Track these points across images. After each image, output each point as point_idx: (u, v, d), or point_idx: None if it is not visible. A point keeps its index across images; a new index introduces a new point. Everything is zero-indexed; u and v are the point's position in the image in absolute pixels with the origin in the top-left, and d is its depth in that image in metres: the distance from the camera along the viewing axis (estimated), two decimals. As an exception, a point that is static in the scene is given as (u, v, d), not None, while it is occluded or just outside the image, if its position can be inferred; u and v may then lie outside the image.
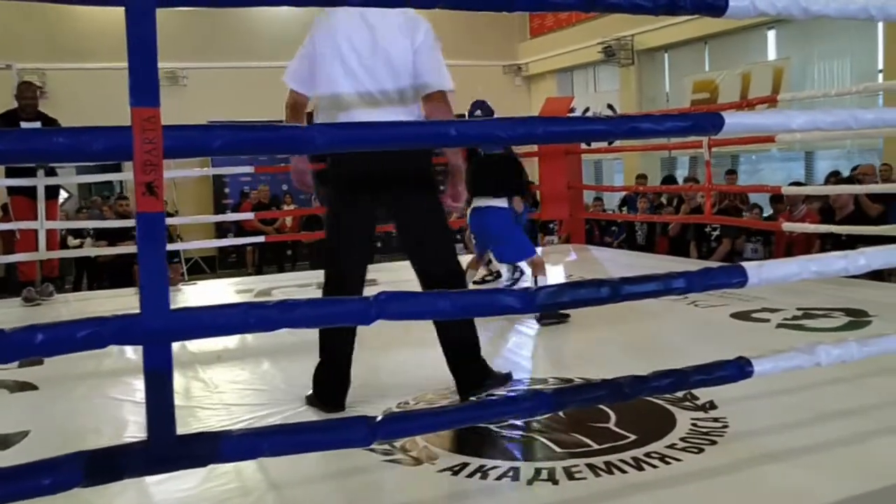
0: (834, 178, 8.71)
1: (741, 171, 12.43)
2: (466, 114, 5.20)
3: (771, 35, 11.70)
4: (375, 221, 3.16)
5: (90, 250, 8.46)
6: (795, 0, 1.95)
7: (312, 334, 4.14)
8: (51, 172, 6.18)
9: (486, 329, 4.26)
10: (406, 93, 2.97)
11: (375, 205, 3.07)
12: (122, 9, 1.43)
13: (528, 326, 4.39)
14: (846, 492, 2.16)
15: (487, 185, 4.82)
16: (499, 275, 6.08)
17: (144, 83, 1.43)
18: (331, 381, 3.12)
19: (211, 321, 1.55)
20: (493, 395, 3.05)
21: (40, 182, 6.01)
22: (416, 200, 3.06)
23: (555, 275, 5.97)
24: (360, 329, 4.23)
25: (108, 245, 7.77)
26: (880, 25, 9.59)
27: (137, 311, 1.49)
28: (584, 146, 8.43)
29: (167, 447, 1.51)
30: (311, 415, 3.07)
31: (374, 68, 2.96)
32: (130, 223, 7.57)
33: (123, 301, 5.85)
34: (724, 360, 1.98)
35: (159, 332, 1.47)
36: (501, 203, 4.81)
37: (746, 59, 12.01)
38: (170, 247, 8.01)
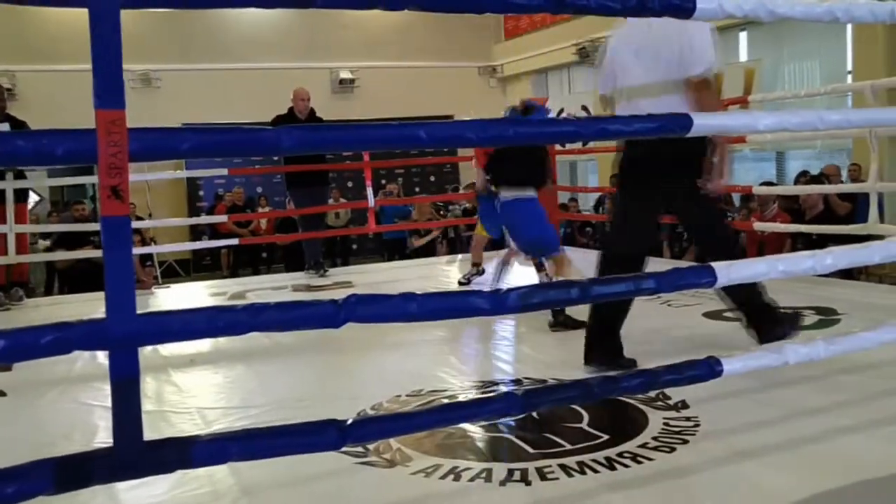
0: (804, 177, 8.82)
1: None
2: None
3: (743, 36, 11.80)
4: (656, 204, 3.54)
5: (50, 255, 8.35)
6: (762, 2, 1.97)
7: (286, 338, 4.15)
8: (20, 175, 6.11)
9: (460, 329, 4.29)
10: (675, 83, 3.40)
11: (655, 188, 3.44)
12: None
13: (505, 328, 4.40)
14: (817, 488, 2.18)
15: (513, 176, 4.61)
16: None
17: (109, 85, 1.42)
18: (604, 342, 3.48)
19: (179, 325, 1.54)
20: (462, 397, 3.06)
21: (9, 185, 5.93)
22: (687, 183, 3.44)
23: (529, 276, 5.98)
24: (334, 332, 4.24)
25: (66, 250, 7.67)
26: (849, 28, 9.70)
27: (103, 315, 1.48)
28: (558, 147, 8.44)
29: (135, 453, 1.49)
30: (285, 418, 3.05)
31: (652, 64, 3.43)
32: (89, 227, 7.51)
33: (95, 305, 5.78)
34: (694, 360, 1.99)
35: (125, 337, 1.45)
36: (530, 194, 4.58)
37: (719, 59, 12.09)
38: (143, 250, 7.98)
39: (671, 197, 3.50)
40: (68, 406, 3.37)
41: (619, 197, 3.66)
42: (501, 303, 1.72)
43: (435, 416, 1.71)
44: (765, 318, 3.49)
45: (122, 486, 2.35)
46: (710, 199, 3.54)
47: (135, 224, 9.31)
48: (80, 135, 1.44)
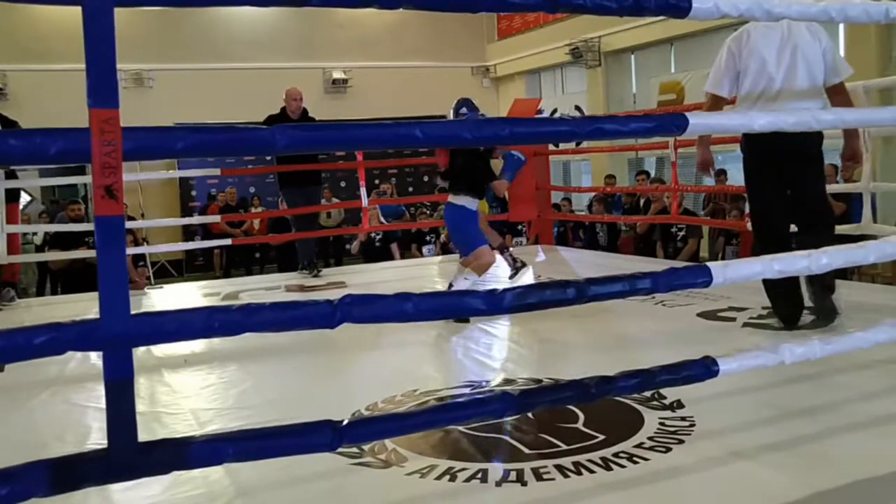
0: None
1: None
2: (451, 113, 5.17)
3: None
4: (785, 185, 3.90)
5: (41, 255, 8.32)
6: (758, 2, 1.97)
7: (280, 338, 4.13)
8: (11, 175, 6.08)
9: (455, 329, 4.28)
10: (816, 86, 3.75)
11: (781, 173, 3.85)
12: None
13: (498, 326, 4.39)
14: (812, 488, 2.18)
15: (455, 182, 4.94)
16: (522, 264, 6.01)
17: (103, 84, 1.41)
18: (783, 299, 3.86)
19: (173, 326, 1.53)
20: (460, 396, 3.05)
21: (0, 185, 5.91)
22: (811, 170, 3.95)
23: (524, 276, 5.98)
24: (329, 333, 4.24)
25: (60, 250, 7.64)
26: (842, 28, 9.73)
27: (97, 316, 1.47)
28: (551, 147, 8.46)
29: (129, 455, 1.48)
30: (279, 419, 3.04)
31: (792, 69, 3.71)
32: (83, 228, 7.49)
33: (87, 306, 5.76)
34: (690, 360, 1.99)
35: (119, 338, 1.44)
36: (458, 201, 4.87)
37: (712, 60, 12.09)
38: (136, 250, 7.95)
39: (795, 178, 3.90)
40: (61, 407, 3.35)
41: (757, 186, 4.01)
42: (497, 303, 1.71)
43: (430, 417, 1.71)
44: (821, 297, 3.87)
45: (116, 488, 2.34)
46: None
47: (138, 225, 9.30)
48: (73, 134, 1.43)
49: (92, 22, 1.40)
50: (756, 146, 3.84)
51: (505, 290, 1.74)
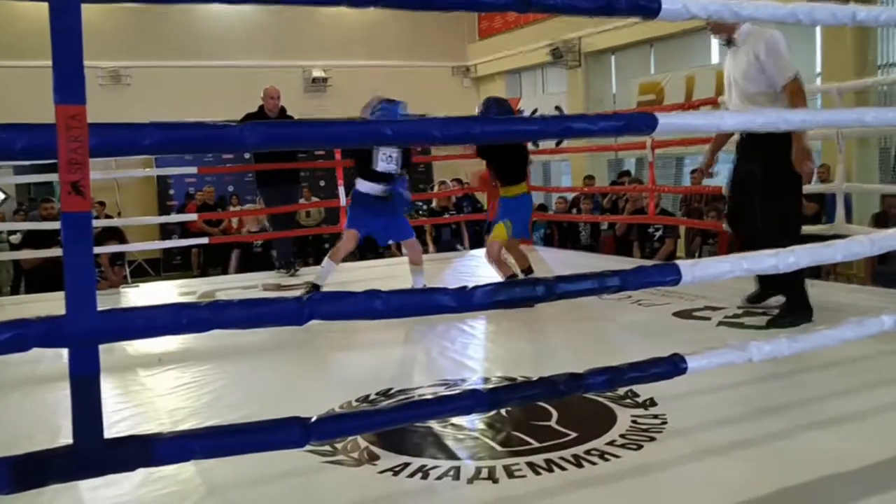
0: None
1: (686, 173, 12.62)
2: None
3: (714, 39, 11.89)
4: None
5: (15, 254, 8.24)
6: (726, 4, 1.99)
7: (255, 337, 4.12)
8: (-15, 173, 6.02)
9: (430, 329, 4.29)
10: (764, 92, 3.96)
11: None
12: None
13: (474, 326, 4.40)
14: (781, 483, 2.21)
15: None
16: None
17: (69, 80, 1.40)
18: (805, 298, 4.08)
19: (141, 323, 1.52)
20: (431, 396, 3.05)
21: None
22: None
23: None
24: (303, 332, 4.23)
25: (33, 249, 7.58)
26: (818, 30, 9.83)
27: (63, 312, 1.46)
28: (531, 147, 8.48)
29: (95, 451, 1.47)
30: (252, 417, 3.03)
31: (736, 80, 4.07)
32: (56, 226, 7.42)
33: (59, 305, 5.71)
34: (658, 357, 2.00)
35: (85, 335, 1.43)
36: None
37: (691, 62, 12.21)
38: (112, 248, 7.88)
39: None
40: (31, 407, 3.32)
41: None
42: (467, 300, 1.72)
43: (400, 414, 1.71)
44: (791, 301, 4.08)
45: (86, 486, 2.33)
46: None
47: (113, 223, 9.22)
48: (39, 129, 1.42)
49: (58, 17, 1.39)
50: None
51: (475, 287, 1.75)
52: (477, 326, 4.42)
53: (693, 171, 10.62)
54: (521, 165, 5.36)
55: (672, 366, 1.95)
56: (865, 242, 2.24)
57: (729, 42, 4.15)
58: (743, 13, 1.95)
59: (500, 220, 5.20)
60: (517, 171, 5.32)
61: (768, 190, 4.04)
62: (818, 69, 10.16)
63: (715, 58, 11.98)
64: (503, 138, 1.91)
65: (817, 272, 6.41)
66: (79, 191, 1.44)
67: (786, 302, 4.15)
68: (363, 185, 5.13)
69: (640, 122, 1.91)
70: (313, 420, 1.59)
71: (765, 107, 3.86)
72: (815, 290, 5.09)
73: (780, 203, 4.03)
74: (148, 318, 1.52)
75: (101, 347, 1.49)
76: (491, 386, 2.52)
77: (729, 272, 2.06)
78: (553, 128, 1.83)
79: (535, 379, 1.88)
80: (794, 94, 3.89)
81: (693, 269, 1.97)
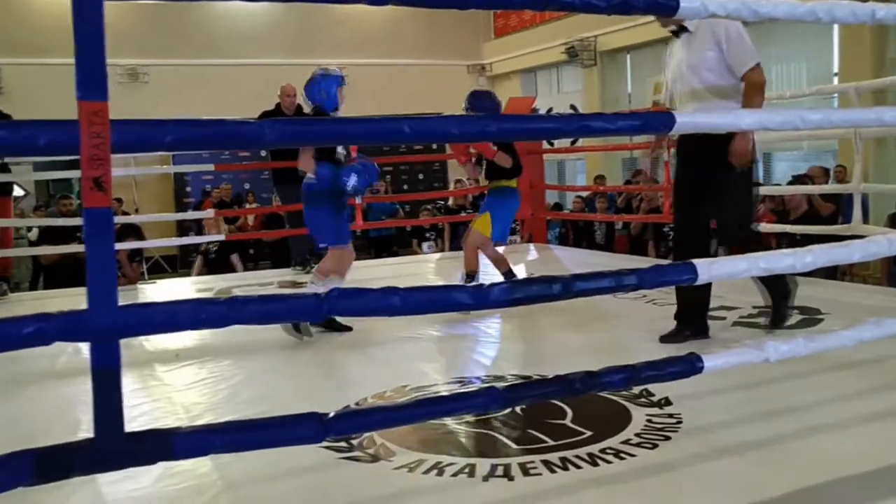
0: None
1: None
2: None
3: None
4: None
5: (34, 249, 8.31)
6: (745, 2, 1.98)
7: (271, 334, 4.14)
8: (4, 169, 6.07)
9: (445, 327, 4.30)
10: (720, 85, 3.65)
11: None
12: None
13: (488, 324, 4.41)
14: (796, 484, 2.20)
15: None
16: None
17: (92, 76, 1.41)
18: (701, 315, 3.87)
19: (161, 318, 1.54)
20: (446, 393, 3.06)
21: (-7, 179, 5.91)
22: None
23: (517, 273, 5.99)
24: (317, 328, 4.25)
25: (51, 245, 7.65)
26: (836, 29, 9.76)
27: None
28: (545, 146, 8.47)
29: (115, 445, 1.49)
30: (268, 413, 3.05)
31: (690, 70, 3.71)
32: (74, 222, 7.49)
33: (78, 300, 5.75)
34: (675, 356, 2.00)
35: (107, 329, 1.45)
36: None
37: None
38: (130, 245, 7.93)
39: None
40: (49, 401, 3.35)
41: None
42: (484, 298, 1.72)
43: (417, 410, 1.72)
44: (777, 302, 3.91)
45: (104, 480, 2.35)
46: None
47: (131, 219, 9.28)
48: (62, 126, 1.44)
49: (81, 14, 1.41)
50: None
51: (492, 285, 1.75)
52: (491, 324, 4.43)
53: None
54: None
55: (689, 365, 1.95)
56: (883, 243, 2.23)
57: (680, 30, 3.80)
58: (762, 11, 1.94)
59: (484, 211, 4.98)
60: (517, 162, 4.97)
61: (722, 189, 3.73)
62: (835, 69, 10.10)
63: (731, 57, 11.92)
64: (521, 137, 1.91)
65: (833, 274, 6.37)
66: (101, 186, 1.45)
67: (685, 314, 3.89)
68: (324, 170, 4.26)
69: (658, 121, 1.90)
70: (331, 416, 1.60)
71: (718, 101, 3.61)
72: (835, 291, 5.08)
73: (737, 201, 3.76)
74: (168, 314, 1.54)
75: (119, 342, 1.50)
76: (507, 384, 2.52)
77: (745, 271, 2.05)
78: (571, 126, 1.83)
79: (550, 377, 1.89)
80: (753, 85, 3.61)
81: (710, 268, 1.97)
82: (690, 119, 1.98)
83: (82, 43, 1.41)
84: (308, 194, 4.32)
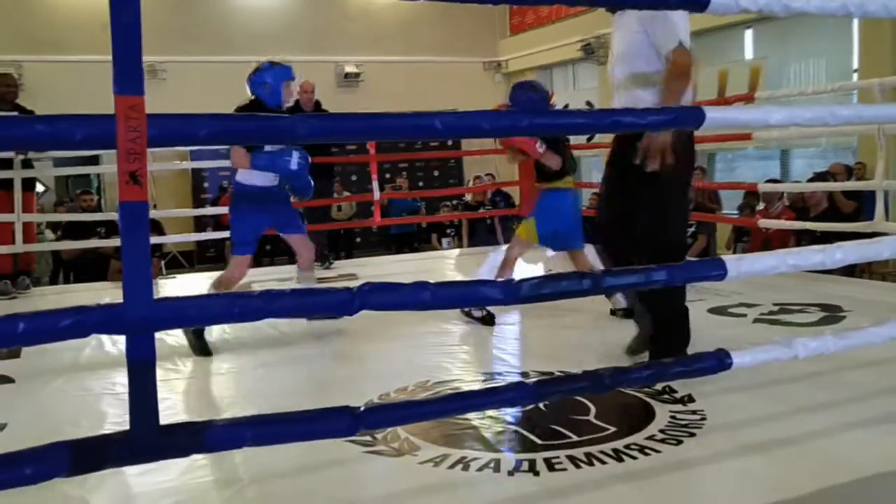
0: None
1: (718, 168, 12.53)
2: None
3: (748, 34, 11.78)
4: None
5: (55, 244, 8.37)
6: (776, -3, 1.97)
7: (293, 328, 4.16)
8: (27, 164, 6.12)
9: (467, 322, 4.30)
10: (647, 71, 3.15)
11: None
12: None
13: (509, 320, 4.41)
14: (822, 483, 2.19)
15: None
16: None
17: (128, 71, 1.43)
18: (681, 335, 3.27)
19: (195, 311, 1.55)
20: (469, 388, 3.06)
21: (16, 174, 5.94)
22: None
23: (534, 270, 6.00)
24: (340, 324, 4.27)
25: (72, 240, 7.72)
26: (855, 26, 9.68)
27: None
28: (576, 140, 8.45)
29: (150, 437, 1.50)
30: (292, 407, 3.07)
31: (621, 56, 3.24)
32: (96, 218, 7.54)
33: (99, 294, 5.80)
34: (703, 353, 2.00)
35: (143, 322, 1.46)
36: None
37: (724, 57, 12.10)
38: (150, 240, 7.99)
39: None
40: (76, 393, 3.38)
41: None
42: (514, 293, 1.73)
43: (448, 405, 1.72)
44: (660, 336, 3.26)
45: (130, 472, 2.37)
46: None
47: (150, 215, 9.33)
48: (99, 120, 1.45)
49: (118, 9, 1.42)
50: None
51: (521, 281, 1.75)
52: (512, 320, 4.43)
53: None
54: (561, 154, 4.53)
55: (717, 361, 1.95)
56: (913, 239, 2.22)
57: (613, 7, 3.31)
58: (794, 6, 1.93)
59: (532, 216, 4.62)
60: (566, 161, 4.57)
61: (634, 195, 3.20)
62: (855, 65, 10.03)
63: (749, 53, 11.86)
64: (552, 131, 1.91)
65: (852, 272, 6.33)
66: (136, 180, 1.47)
67: (653, 327, 3.29)
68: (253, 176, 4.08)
69: (689, 116, 1.90)
70: (362, 409, 1.61)
71: (642, 92, 3.13)
72: (856, 288, 5.05)
73: (650, 211, 3.18)
74: (202, 307, 1.55)
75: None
76: (536, 379, 2.52)
77: (774, 268, 2.05)
78: (602, 122, 1.83)
79: (579, 372, 1.89)
80: (674, 67, 3.04)
81: (739, 265, 1.96)
82: (720, 114, 1.97)
83: (119, 38, 1.42)
84: (232, 194, 4.22)
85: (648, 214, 3.16)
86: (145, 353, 1.49)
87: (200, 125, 1.51)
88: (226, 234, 9.75)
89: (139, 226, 1.47)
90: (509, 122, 1.72)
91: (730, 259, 1.98)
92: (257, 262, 12.14)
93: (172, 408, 3.11)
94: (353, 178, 14.24)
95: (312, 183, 4.23)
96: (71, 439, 1.50)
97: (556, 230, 4.54)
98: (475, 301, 1.72)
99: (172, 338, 4.19)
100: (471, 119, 1.72)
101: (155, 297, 1.52)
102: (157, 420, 1.52)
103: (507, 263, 4.53)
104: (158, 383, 3.38)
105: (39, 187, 8.44)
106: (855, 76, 9.77)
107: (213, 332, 4.26)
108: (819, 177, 8.06)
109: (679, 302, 3.23)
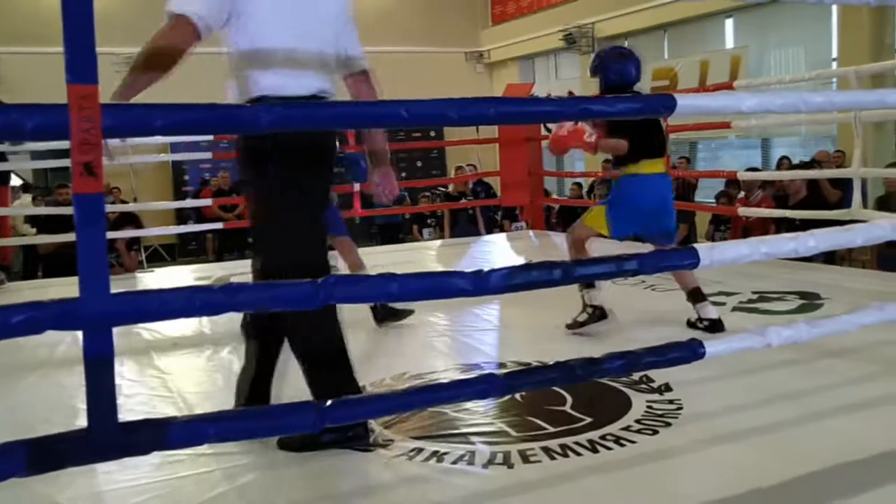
0: (787, 162, 8.89)
1: (700, 157, 12.56)
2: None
3: (729, 23, 11.80)
4: None
5: (31, 239, 8.28)
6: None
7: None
8: (1, 158, 6.03)
9: (445, 313, 4.27)
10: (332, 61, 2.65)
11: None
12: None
13: (488, 311, 4.39)
14: (797, 471, 2.19)
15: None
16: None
17: (80, 58, 1.38)
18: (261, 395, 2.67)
19: (154, 305, 1.51)
20: (447, 380, 3.04)
21: (-10, 168, 5.87)
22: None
23: (514, 261, 5.98)
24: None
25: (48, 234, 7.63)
26: (834, 15, 9.71)
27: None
28: (544, 132, 8.43)
29: (109, 435, 1.46)
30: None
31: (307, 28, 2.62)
32: (71, 211, 7.45)
33: (76, 289, 5.73)
34: (676, 342, 1.98)
35: (99, 317, 1.42)
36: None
37: (704, 47, 12.12)
38: (129, 234, 7.91)
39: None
40: (49, 390, 3.33)
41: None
42: (483, 284, 1.69)
43: (415, 398, 1.70)
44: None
45: (102, 469, 2.34)
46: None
47: (129, 208, 9.24)
48: (51, 110, 1.40)
49: (69, -5, 1.38)
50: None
51: (491, 271, 1.72)
52: (490, 311, 4.41)
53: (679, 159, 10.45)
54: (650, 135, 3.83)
55: (690, 351, 1.92)
56: (887, 227, 2.20)
57: None
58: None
59: (603, 203, 4.03)
60: (643, 142, 3.81)
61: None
62: (834, 54, 10.06)
63: (729, 42, 11.88)
64: (520, 119, 1.88)
65: (832, 257, 6.36)
66: (91, 172, 1.42)
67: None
68: None
69: (659, 103, 1.88)
70: (328, 404, 1.58)
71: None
72: (834, 276, 5.07)
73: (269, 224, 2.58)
74: (161, 301, 1.51)
75: (117, 331, 1.48)
76: (506, 371, 2.50)
77: (747, 256, 2.03)
78: (571, 109, 1.80)
79: (551, 363, 1.86)
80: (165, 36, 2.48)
81: (711, 253, 1.94)
82: (690, 101, 1.94)
83: (70, 24, 1.38)
84: None
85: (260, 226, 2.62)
86: (103, 350, 1.45)
87: (156, 115, 1.46)
88: (207, 226, 9.75)
89: (95, 219, 1.43)
90: (476, 111, 1.68)
91: (702, 247, 1.96)
92: (242, 256, 12.11)
93: (145, 403, 3.08)
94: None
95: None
96: (27, 438, 1.46)
97: (629, 221, 3.90)
98: (444, 293, 1.69)
99: (149, 332, 4.15)
100: (437, 107, 1.69)
101: (114, 292, 1.48)
102: (116, 417, 1.48)
103: (575, 244, 3.93)
104: (132, 379, 3.36)
105: (16, 180, 8.33)
106: (834, 64, 9.80)
107: (189, 328, 4.21)
108: (800, 165, 8.09)
109: (331, 339, 2.58)
